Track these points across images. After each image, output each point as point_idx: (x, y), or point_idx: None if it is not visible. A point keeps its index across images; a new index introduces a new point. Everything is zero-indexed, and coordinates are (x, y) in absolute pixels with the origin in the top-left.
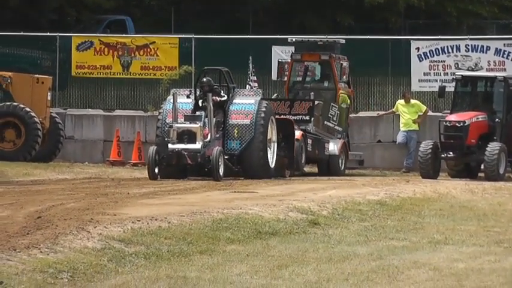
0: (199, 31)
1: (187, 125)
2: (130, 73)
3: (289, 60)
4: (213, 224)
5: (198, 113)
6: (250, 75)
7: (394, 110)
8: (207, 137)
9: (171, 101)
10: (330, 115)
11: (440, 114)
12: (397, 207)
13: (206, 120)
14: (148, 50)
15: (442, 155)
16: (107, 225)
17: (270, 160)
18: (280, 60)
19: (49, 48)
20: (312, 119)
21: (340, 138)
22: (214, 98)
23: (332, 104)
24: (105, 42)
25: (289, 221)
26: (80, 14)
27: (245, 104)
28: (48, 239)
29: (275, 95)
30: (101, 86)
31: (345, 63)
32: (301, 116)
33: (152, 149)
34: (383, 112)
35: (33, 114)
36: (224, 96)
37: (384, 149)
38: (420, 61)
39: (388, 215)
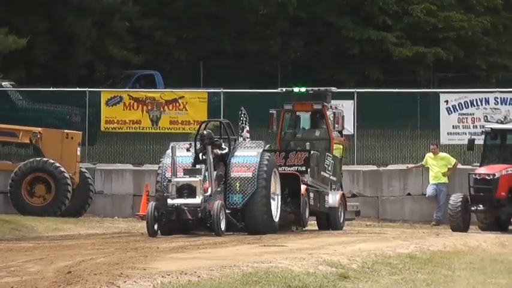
0: (227, 85)
1: (187, 179)
2: (159, 127)
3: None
4: (243, 278)
5: (198, 167)
6: (242, 126)
7: (423, 163)
8: (207, 191)
9: (170, 154)
10: (325, 165)
11: (469, 167)
12: (427, 260)
13: (206, 173)
14: (177, 104)
15: (472, 208)
16: (136, 280)
17: (273, 214)
18: (271, 112)
19: (78, 104)
20: (309, 169)
21: (335, 190)
22: (214, 151)
23: (327, 153)
24: (134, 97)
25: (319, 274)
26: (109, 69)
27: (247, 156)
28: None
29: (267, 146)
30: (130, 141)
31: (338, 112)
32: (297, 167)
33: (151, 205)
34: (412, 165)
35: (63, 169)
36: (225, 149)
37: (413, 202)
38: (449, 114)
39: (418, 269)
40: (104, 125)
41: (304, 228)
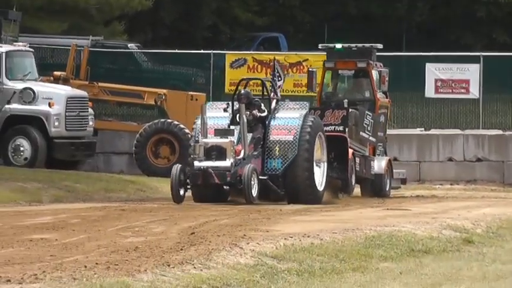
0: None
1: (217, 139)
2: (283, 90)
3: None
4: (366, 241)
5: (232, 127)
6: (275, 80)
7: None
8: (239, 154)
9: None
10: (364, 125)
11: None
12: None
13: (241, 135)
14: (301, 67)
15: None
16: (259, 242)
17: (318, 182)
18: (310, 70)
19: (203, 66)
20: (347, 129)
21: (380, 155)
22: (253, 112)
23: (366, 112)
24: (259, 60)
25: (443, 239)
26: (233, 32)
27: (288, 118)
28: (201, 254)
29: (287, 100)
30: None
31: (384, 71)
32: (334, 127)
33: (176, 167)
34: None
35: (187, 130)
36: (264, 111)
37: None
38: None
39: None
40: (228, 87)
41: (350, 195)
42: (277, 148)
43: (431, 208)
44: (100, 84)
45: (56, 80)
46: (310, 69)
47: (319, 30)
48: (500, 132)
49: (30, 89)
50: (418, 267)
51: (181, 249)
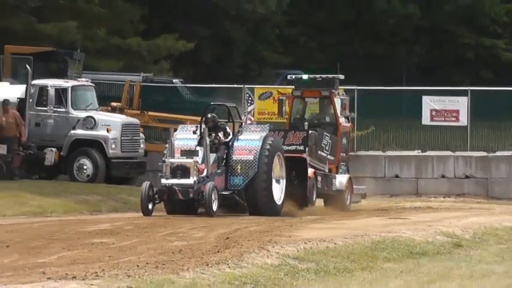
0: (360, 83)
1: (181, 160)
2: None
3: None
4: (372, 245)
5: (197, 149)
6: (245, 106)
7: None
8: (202, 172)
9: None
10: (323, 144)
11: None
12: None
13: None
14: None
15: None
16: (283, 245)
17: (276, 196)
18: (280, 98)
19: (236, 97)
20: (307, 148)
21: (342, 173)
22: (218, 134)
23: (325, 133)
24: (282, 93)
25: (437, 243)
26: (261, 69)
27: (250, 140)
28: (234, 256)
29: (269, 125)
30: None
31: (345, 99)
32: (295, 146)
33: (145, 184)
34: None
35: None
36: (229, 134)
37: None
38: None
39: None
40: (257, 115)
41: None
42: (239, 166)
43: (427, 217)
44: (150, 113)
45: (113, 110)
46: (280, 98)
47: (333, 68)
48: (484, 154)
49: (92, 117)
50: (416, 267)
51: (218, 252)
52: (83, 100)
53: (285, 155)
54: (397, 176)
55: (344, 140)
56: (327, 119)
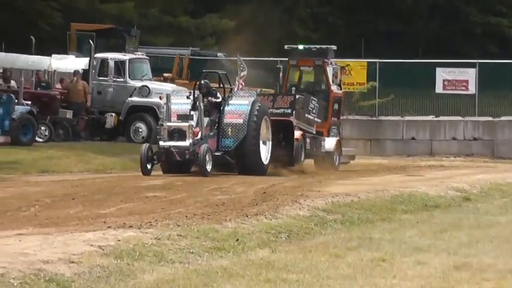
0: (381, 56)
1: (178, 123)
2: None
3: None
4: (391, 198)
5: (192, 113)
6: (239, 71)
7: None
8: (197, 135)
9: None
10: (310, 108)
11: None
12: None
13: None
14: (344, 70)
15: None
16: (313, 199)
17: (264, 157)
18: (278, 66)
19: (272, 69)
20: (294, 112)
21: (334, 136)
22: (210, 99)
23: (311, 97)
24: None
25: (448, 197)
26: (294, 44)
27: (239, 104)
28: (271, 208)
29: (259, 90)
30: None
31: (337, 68)
32: (283, 110)
33: (144, 146)
34: None
35: None
36: (219, 98)
37: None
38: None
39: None
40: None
41: (297, 167)
42: (229, 129)
43: (440, 175)
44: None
45: (165, 80)
46: (277, 66)
47: (357, 43)
48: (490, 118)
49: (146, 86)
50: (430, 218)
51: (256, 204)
52: (139, 71)
53: (273, 118)
54: (413, 138)
55: (336, 106)
56: (321, 86)
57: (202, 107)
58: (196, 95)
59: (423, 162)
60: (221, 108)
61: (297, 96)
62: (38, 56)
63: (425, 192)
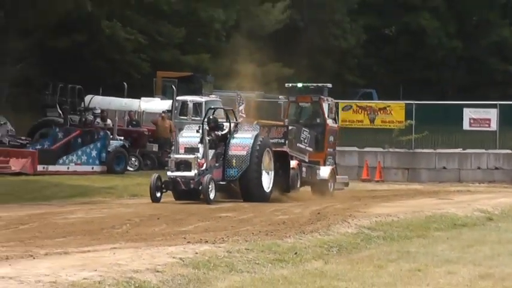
0: (417, 99)
1: (184, 155)
2: (375, 125)
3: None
4: (426, 218)
5: (199, 145)
6: (238, 105)
7: None
8: (202, 166)
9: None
10: (301, 138)
11: None
12: None
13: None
14: (386, 110)
15: None
16: (360, 219)
17: (266, 185)
18: (279, 103)
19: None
20: (287, 141)
21: (329, 164)
22: (216, 133)
23: (303, 128)
24: (360, 106)
25: (474, 217)
26: (344, 88)
27: (243, 138)
28: (324, 226)
29: (255, 122)
30: (356, 133)
31: (332, 103)
32: (277, 140)
33: (154, 176)
34: None
35: None
36: (225, 130)
37: None
38: None
39: None
40: (340, 122)
41: (294, 192)
42: (234, 160)
43: (467, 198)
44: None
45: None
46: (279, 102)
47: (397, 88)
48: (510, 151)
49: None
50: (459, 235)
51: (312, 223)
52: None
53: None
54: (444, 168)
55: (331, 138)
56: (318, 120)
57: (207, 140)
58: (205, 129)
59: (452, 188)
60: (227, 141)
61: (290, 127)
62: (130, 99)
63: (454, 213)
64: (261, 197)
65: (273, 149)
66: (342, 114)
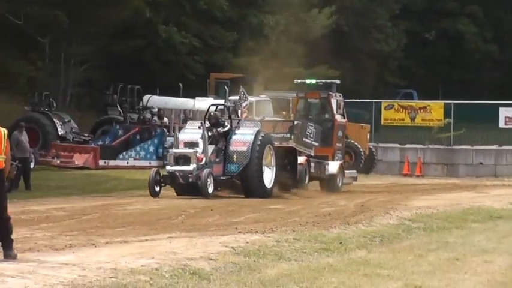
0: (456, 98)
1: (183, 150)
2: (415, 123)
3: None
4: (464, 210)
5: (199, 141)
6: (240, 102)
7: None
8: (202, 161)
9: (179, 131)
10: (307, 133)
11: None
12: None
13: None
14: (426, 109)
15: None
16: (401, 211)
17: (267, 181)
18: (288, 99)
19: (368, 109)
20: (292, 136)
21: (338, 160)
22: (218, 129)
23: (308, 123)
24: (401, 105)
25: (509, 209)
26: (386, 88)
27: (244, 134)
28: (367, 218)
29: (261, 117)
30: (398, 131)
31: (340, 99)
32: (282, 134)
33: (153, 170)
34: None
35: (359, 146)
36: (227, 127)
37: None
38: None
39: None
40: (383, 121)
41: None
42: (235, 156)
43: (502, 192)
44: None
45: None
46: (287, 98)
47: (436, 88)
48: None
49: (267, 121)
50: (494, 226)
51: (356, 215)
52: (263, 110)
53: (278, 145)
54: (481, 163)
55: (340, 133)
56: (326, 116)
57: (207, 136)
58: (207, 125)
59: (489, 182)
60: (228, 137)
61: (295, 122)
62: (185, 99)
63: (490, 206)
64: (261, 192)
65: (280, 144)
66: (384, 112)
